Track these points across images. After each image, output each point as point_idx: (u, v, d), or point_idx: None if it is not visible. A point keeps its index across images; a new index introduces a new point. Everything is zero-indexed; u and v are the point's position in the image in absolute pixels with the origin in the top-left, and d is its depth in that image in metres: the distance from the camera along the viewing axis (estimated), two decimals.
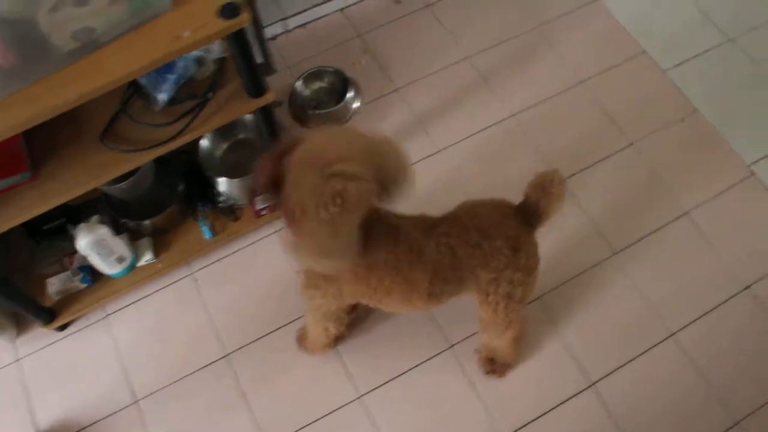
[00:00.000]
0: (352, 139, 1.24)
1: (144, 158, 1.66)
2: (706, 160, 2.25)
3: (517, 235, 1.48)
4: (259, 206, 2.07)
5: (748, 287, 2.04)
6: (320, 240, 1.22)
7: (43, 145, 1.66)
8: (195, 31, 1.42)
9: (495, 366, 1.93)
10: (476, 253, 1.46)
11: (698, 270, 2.08)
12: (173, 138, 1.65)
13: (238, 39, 1.50)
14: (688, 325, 2.00)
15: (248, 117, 2.17)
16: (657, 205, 2.17)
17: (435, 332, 2.00)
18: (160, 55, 1.41)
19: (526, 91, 2.39)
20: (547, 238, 1.89)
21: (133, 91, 1.70)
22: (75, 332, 2.08)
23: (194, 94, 1.69)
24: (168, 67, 1.65)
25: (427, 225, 1.50)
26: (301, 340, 1.98)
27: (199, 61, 1.70)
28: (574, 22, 2.55)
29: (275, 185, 1.24)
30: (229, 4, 1.43)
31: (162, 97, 1.66)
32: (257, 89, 1.67)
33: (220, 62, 1.72)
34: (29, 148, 1.64)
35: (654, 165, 2.24)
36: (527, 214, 1.50)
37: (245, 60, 1.57)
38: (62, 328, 2.07)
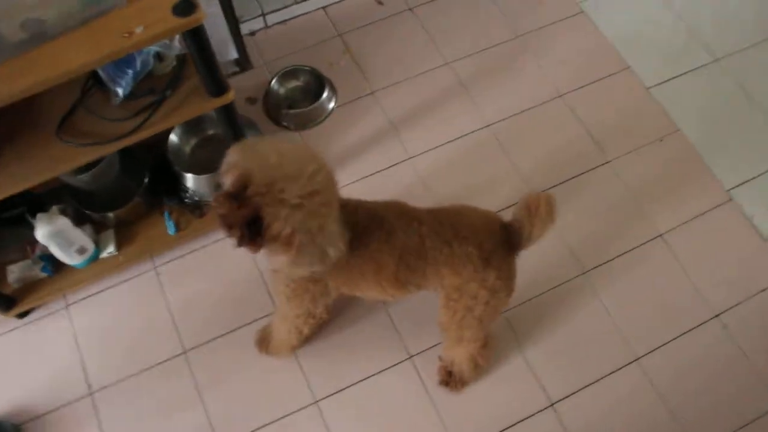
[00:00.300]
0: (287, 149, 1.24)
1: (99, 153, 1.64)
2: (685, 182, 2.21)
3: (493, 250, 1.45)
4: None
5: (717, 315, 2.00)
6: (318, 248, 1.26)
7: None
8: (148, 27, 1.40)
9: (450, 379, 1.90)
10: (444, 251, 1.44)
11: (669, 294, 2.04)
12: (129, 134, 1.63)
13: (194, 36, 1.48)
14: (653, 350, 1.96)
15: (213, 114, 2.14)
16: (630, 226, 2.14)
17: (395, 341, 1.97)
18: (112, 51, 1.38)
19: (504, 101, 2.35)
20: None
21: (93, 84, 1.68)
22: (34, 320, 2.06)
23: (153, 89, 1.66)
24: (127, 62, 1.62)
25: (404, 210, 1.49)
26: (262, 342, 1.95)
27: (160, 57, 1.67)
28: (558, 34, 2.50)
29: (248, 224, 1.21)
30: (183, 1, 1.41)
31: (120, 91, 1.63)
32: (217, 88, 1.64)
33: (181, 59, 1.69)
34: None
35: (630, 184, 2.20)
36: (511, 234, 1.46)
37: (203, 58, 1.55)
38: (22, 315, 2.05)
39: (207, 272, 2.09)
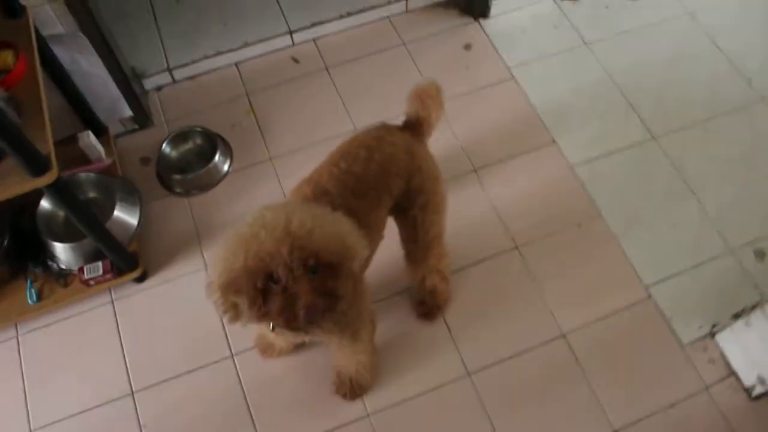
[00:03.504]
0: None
1: None
2: (598, 274, 1.98)
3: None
4: (87, 276, 1.92)
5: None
6: None
7: None
8: None
9: (427, 308, 1.90)
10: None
11: (565, 403, 1.81)
12: None
13: None
14: None
15: (93, 176, 2.03)
16: (530, 320, 1.92)
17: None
18: None
19: None
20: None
21: None
22: None
23: None
24: None
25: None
26: (354, 394, 1.81)
27: None
28: (482, 101, 2.31)
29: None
30: None
31: None
32: (35, 166, 1.50)
33: None
34: None
35: (536, 273, 1.98)
36: (414, 127, 1.56)
37: (2, 133, 1.39)
38: None
39: (68, 345, 1.96)
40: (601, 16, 2.49)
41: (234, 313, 1.20)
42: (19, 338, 1.99)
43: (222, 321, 1.93)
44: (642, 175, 2.14)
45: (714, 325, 1.89)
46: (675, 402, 1.80)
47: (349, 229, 1.23)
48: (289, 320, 1.15)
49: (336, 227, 1.20)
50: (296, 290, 1.11)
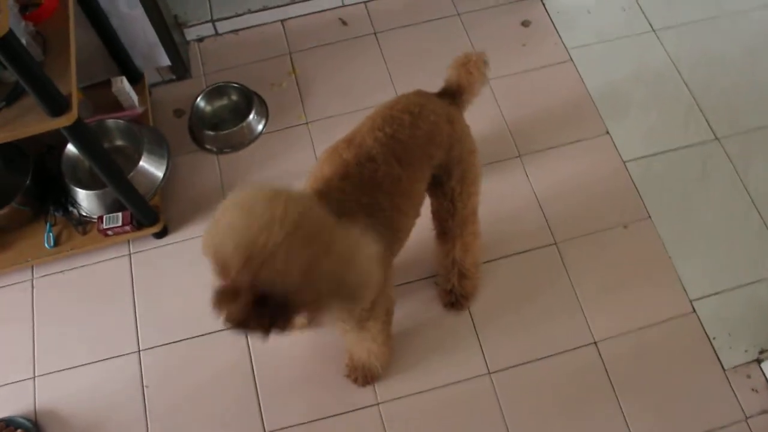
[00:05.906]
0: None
1: None
2: (640, 282, 1.84)
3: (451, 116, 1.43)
4: (106, 225, 1.86)
5: None
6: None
7: None
8: None
9: (453, 298, 1.79)
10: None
11: (587, 415, 1.70)
12: None
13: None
14: None
15: (122, 123, 1.96)
16: (561, 323, 1.80)
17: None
18: None
19: None
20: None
21: None
22: None
23: None
24: None
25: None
26: (366, 379, 1.73)
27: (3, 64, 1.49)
28: (537, 82, 2.17)
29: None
30: None
31: None
32: (54, 107, 1.44)
33: None
34: None
35: (573, 273, 1.86)
36: (454, 95, 1.48)
37: (19, 69, 1.33)
38: None
39: (81, 293, 1.92)
40: (674, 1, 2.31)
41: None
42: (34, 282, 1.95)
43: None
44: (700, 179, 1.98)
45: (761, 351, 1.74)
46: (709, 430, 1.66)
47: (364, 255, 1.05)
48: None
49: (335, 259, 1.01)
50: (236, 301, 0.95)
